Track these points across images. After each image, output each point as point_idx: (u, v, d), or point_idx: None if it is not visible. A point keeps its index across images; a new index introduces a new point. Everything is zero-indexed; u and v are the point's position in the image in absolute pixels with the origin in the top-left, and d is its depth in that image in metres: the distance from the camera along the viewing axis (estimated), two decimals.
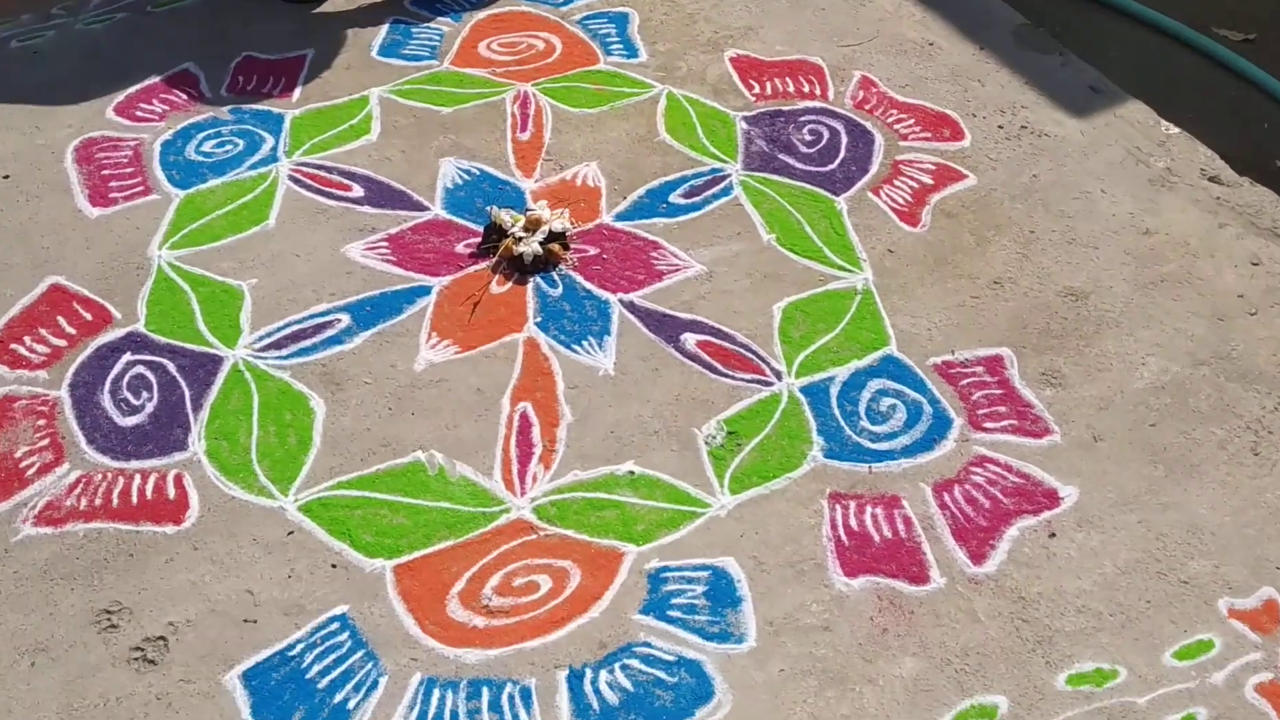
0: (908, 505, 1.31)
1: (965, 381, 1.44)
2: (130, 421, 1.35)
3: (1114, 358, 1.47)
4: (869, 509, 1.31)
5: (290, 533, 1.26)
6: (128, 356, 1.41)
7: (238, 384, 1.39)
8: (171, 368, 1.40)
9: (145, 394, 1.37)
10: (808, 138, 1.74)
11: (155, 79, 1.75)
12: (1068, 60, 1.92)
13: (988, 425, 1.40)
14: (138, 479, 1.29)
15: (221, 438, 1.33)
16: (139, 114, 1.70)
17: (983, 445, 1.38)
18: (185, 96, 1.73)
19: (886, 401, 1.42)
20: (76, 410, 1.35)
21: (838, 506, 1.31)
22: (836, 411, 1.40)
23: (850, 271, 1.56)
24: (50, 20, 1.84)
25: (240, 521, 1.26)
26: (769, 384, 1.42)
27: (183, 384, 1.38)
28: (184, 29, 1.85)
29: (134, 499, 1.28)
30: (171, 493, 1.28)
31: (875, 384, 1.44)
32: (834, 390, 1.42)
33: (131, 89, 1.73)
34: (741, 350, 1.46)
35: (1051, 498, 1.33)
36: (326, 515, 1.27)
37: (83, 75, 1.75)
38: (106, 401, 1.36)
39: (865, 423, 1.39)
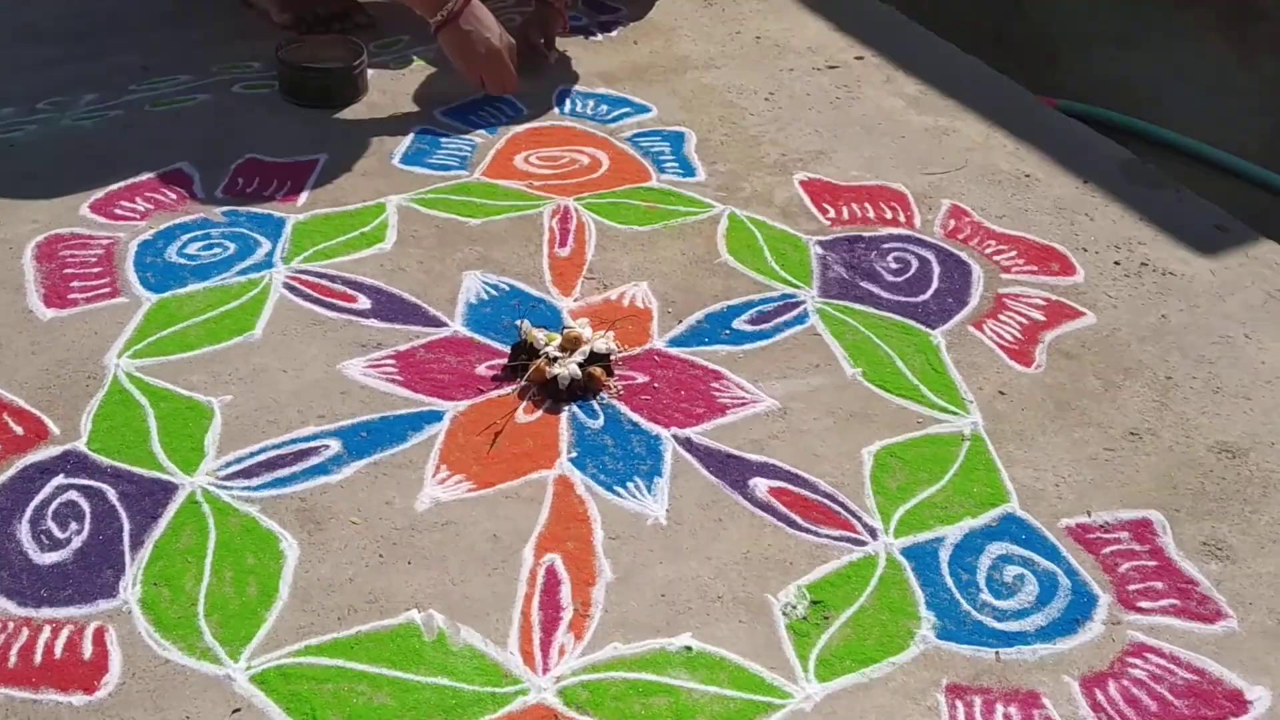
0: (1049, 704, 0.99)
1: (1108, 550, 1.14)
2: (49, 559, 1.05)
3: None
4: (999, 707, 0.98)
5: (236, 710, 0.94)
6: (59, 479, 1.13)
7: (192, 517, 1.09)
8: (112, 495, 1.11)
9: (74, 525, 1.08)
10: (893, 265, 1.49)
11: (142, 177, 1.52)
12: (1185, 197, 1.68)
13: (1143, 605, 1.09)
14: (46, 631, 0.99)
15: (162, 583, 1.03)
16: (118, 212, 1.47)
17: (1140, 630, 1.06)
18: (174, 195, 1.50)
19: (1012, 570, 1.11)
20: None
21: (958, 703, 0.98)
22: (949, 580, 1.09)
23: (955, 414, 1.27)
24: (34, 114, 1.64)
25: (172, 693, 0.95)
26: (862, 543, 1.12)
27: (123, 515, 1.09)
28: (183, 128, 1.64)
29: (37, 657, 0.97)
30: (88, 651, 0.98)
31: (996, 548, 1.13)
32: (944, 554, 1.12)
33: (113, 186, 1.51)
34: (825, 501, 1.16)
35: (1236, 701, 1.01)
36: (286, 689, 0.95)
37: (60, 170, 1.53)
38: (23, 533, 1.07)
39: (987, 595, 1.08)
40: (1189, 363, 1.37)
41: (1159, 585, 1.11)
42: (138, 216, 1.46)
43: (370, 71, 1.79)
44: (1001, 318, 1.42)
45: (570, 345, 1.27)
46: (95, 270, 1.37)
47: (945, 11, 2.88)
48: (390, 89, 1.79)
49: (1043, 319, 1.42)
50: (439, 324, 1.34)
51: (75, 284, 1.35)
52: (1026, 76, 2.48)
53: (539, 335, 1.28)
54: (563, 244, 1.48)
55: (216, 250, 1.42)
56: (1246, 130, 2.39)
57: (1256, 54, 2.73)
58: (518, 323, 1.30)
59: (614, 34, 2.00)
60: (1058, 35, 2.77)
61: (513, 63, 1.72)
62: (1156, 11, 2.88)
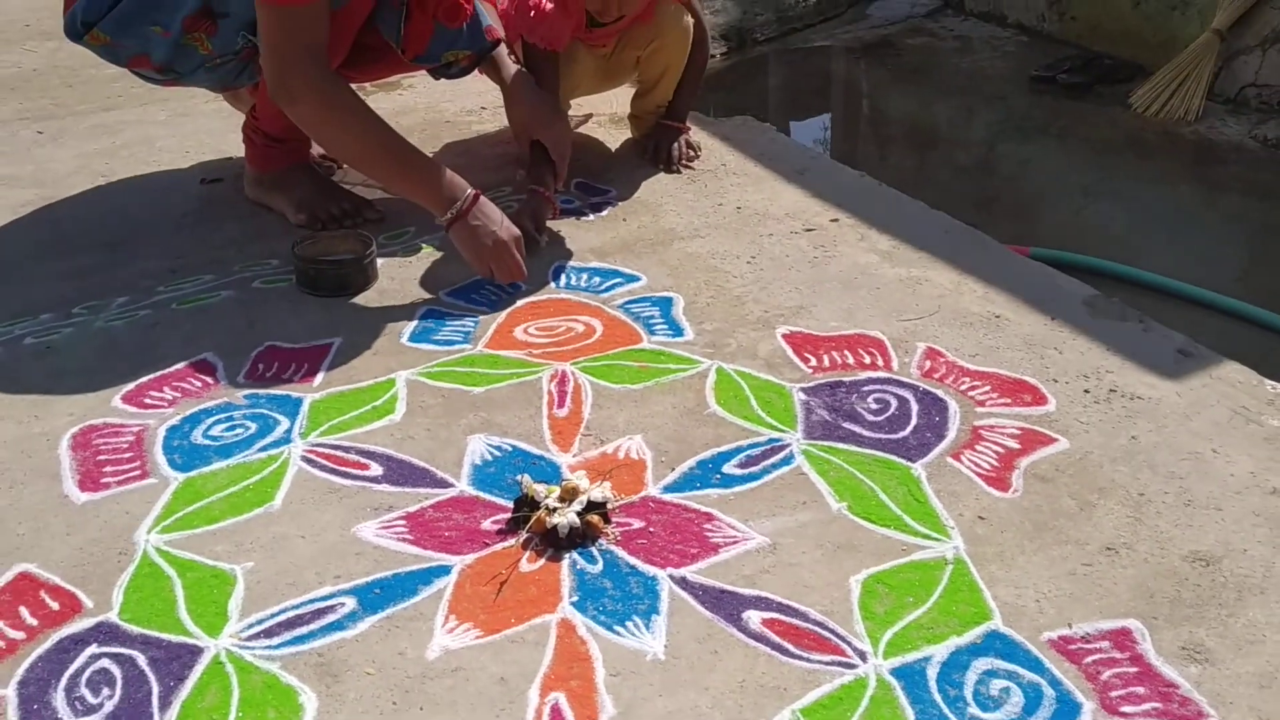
0: None
1: (1090, 659, 1.19)
2: None
3: (1266, 628, 1.22)
4: None
5: None
6: (92, 649, 1.20)
7: (216, 677, 1.16)
8: (142, 661, 1.18)
9: (106, 691, 1.15)
10: (874, 406, 1.58)
11: (170, 368, 1.64)
12: (1149, 326, 1.78)
13: (1126, 710, 1.13)
14: None
15: None
16: (147, 401, 1.58)
17: None
18: (199, 383, 1.62)
19: (998, 684, 1.16)
20: (22, 712, 1.12)
21: None
22: (938, 697, 1.14)
23: (937, 540, 1.34)
24: (70, 318, 1.77)
25: None
26: (852, 666, 1.17)
27: (151, 678, 1.16)
28: (208, 322, 1.77)
29: None
30: None
31: (981, 663, 1.18)
32: (932, 672, 1.17)
33: (143, 378, 1.62)
34: (816, 628, 1.22)
35: None
36: None
37: (94, 367, 1.65)
38: (59, 701, 1.14)
39: (974, 709, 1.13)
40: (1160, 479, 1.44)
41: (1141, 690, 1.15)
42: (166, 404, 1.57)
43: (380, 260, 1.93)
44: (978, 448, 1.49)
45: (569, 496, 1.35)
46: (126, 455, 1.47)
47: (919, 174, 3.05)
48: (399, 275, 1.92)
49: (1018, 447, 1.50)
50: (446, 485, 1.42)
51: (108, 469, 1.45)
52: (1000, 228, 2.62)
53: (539, 489, 1.36)
54: (560, 405, 1.58)
55: (239, 430, 1.52)
56: (1212, 262, 2.52)
57: (1219, 193, 2.88)
58: (518, 478, 1.39)
59: (604, 213, 2.15)
60: (1029, 189, 2.93)
61: (520, 253, 1.84)
62: (1122, 161, 3.05)
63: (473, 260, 1.84)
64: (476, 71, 2.17)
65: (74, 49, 1.96)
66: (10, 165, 2.33)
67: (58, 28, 1.94)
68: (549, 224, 2.05)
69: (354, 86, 2.25)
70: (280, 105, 1.78)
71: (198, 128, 2.50)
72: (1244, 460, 1.47)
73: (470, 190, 1.82)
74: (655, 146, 2.35)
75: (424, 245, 2.02)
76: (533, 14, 2.08)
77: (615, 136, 2.53)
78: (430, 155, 2.29)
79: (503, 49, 2.14)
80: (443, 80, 2.20)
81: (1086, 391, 1.62)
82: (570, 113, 2.50)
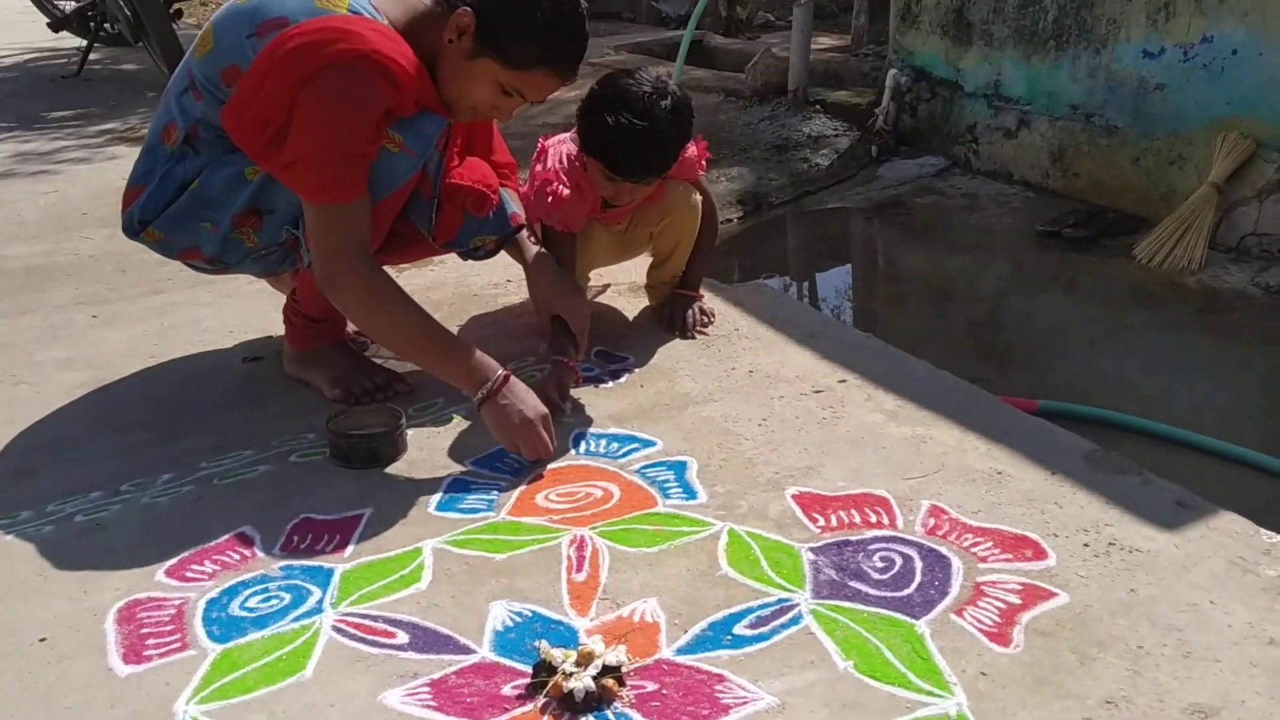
0: None
1: None
2: None
3: None
4: None
5: None
6: None
7: None
8: None
9: None
10: (879, 564, 1.64)
11: (211, 542, 1.74)
12: (1147, 479, 1.84)
13: None
14: None
15: None
16: (189, 575, 1.67)
17: None
18: (238, 557, 1.71)
19: None
20: None
21: None
22: None
23: (941, 697, 1.39)
24: (118, 495, 1.88)
25: None
26: None
27: None
28: (246, 496, 1.87)
29: None
30: None
31: None
32: None
33: (185, 553, 1.72)
34: None
35: None
36: None
37: (139, 543, 1.75)
38: None
39: None
40: (1159, 631, 1.49)
41: None
42: (206, 577, 1.66)
43: (409, 431, 2.03)
44: (980, 604, 1.55)
45: (585, 660, 1.41)
46: (168, 628, 1.56)
47: (932, 328, 3.16)
48: (427, 445, 2.02)
49: (1019, 602, 1.55)
50: (469, 651, 1.49)
51: (150, 641, 1.53)
52: (1011, 381, 2.71)
53: (556, 654, 1.43)
54: (579, 570, 1.65)
55: (274, 601, 1.60)
56: (1222, 409, 2.57)
57: (1226, 340, 2.95)
58: (536, 644, 1.45)
59: (622, 379, 2.26)
60: (1038, 341, 3.02)
61: (547, 431, 1.94)
62: (1129, 312, 3.14)
63: (501, 438, 1.94)
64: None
65: None
66: (67, 348, 2.49)
67: (113, 215, 2.10)
68: (571, 392, 2.16)
69: (387, 266, 2.42)
70: (326, 294, 1.93)
71: (241, 308, 2.65)
72: (1241, 611, 1.52)
73: (501, 371, 1.94)
74: (671, 314, 2.47)
75: (452, 416, 2.12)
76: (550, 199, 2.24)
77: (633, 305, 2.66)
78: (459, 327, 2.44)
79: (524, 231, 2.29)
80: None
81: (1086, 545, 1.67)
82: (590, 283, 2.64)
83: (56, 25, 6.14)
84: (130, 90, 5.72)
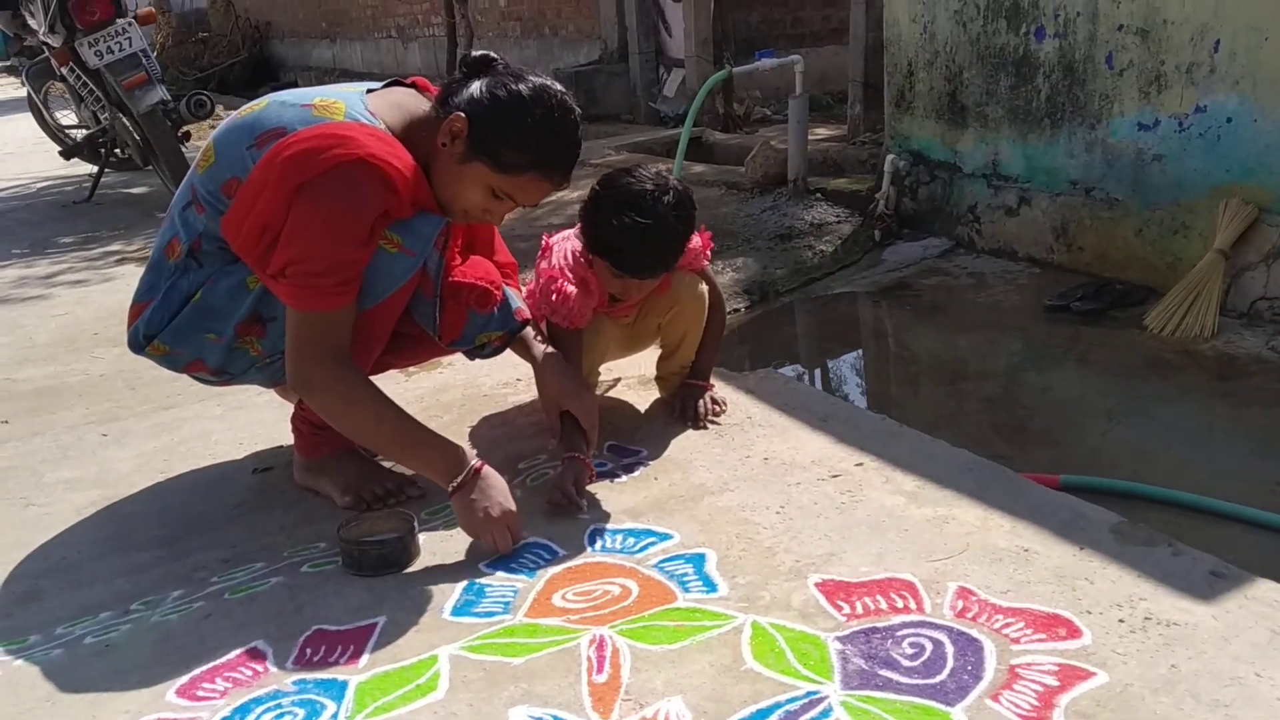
0: None
1: None
2: None
3: None
4: None
5: None
6: None
7: None
8: None
9: None
10: (909, 650, 1.59)
11: (222, 659, 1.70)
12: (1179, 550, 1.79)
13: None
14: None
15: None
16: (200, 694, 1.63)
17: None
18: (250, 672, 1.67)
19: None
20: None
21: None
22: None
23: None
24: (128, 615, 1.85)
25: None
26: None
27: None
28: (258, 610, 1.83)
29: None
30: None
31: None
32: None
33: (197, 670, 1.68)
34: None
35: None
36: None
37: (150, 662, 1.71)
38: None
39: None
40: (1204, 708, 1.43)
41: None
42: (218, 695, 1.62)
43: (421, 535, 2.00)
44: (1017, 687, 1.50)
45: None
46: None
47: (947, 408, 3.13)
48: (439, 549, 1.98)
49: (1057, 684, 1.50)
50: None
51: None
52: (1030, 457, 2.67)
53: None
54: (600, 670, 1.60)
55: (288, 717, 1.55)
56: (1246, 476, 2.53)
57: (1245, 406, 2.91)
58: None
59: (636, 473, 2.23)
60: (1055, 415, 2.98)
61: (511, 529, 1.94)
62: (1144, 382, 3.11)
63: (467, 529, 1.95)
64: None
65: None
66: (76, 468, 2.47)
67: (123, 334, 2.11)
68: (586, 487, 2.13)
69: (394, 370, 2.42)
70: (299, 394, 1.94)
71: (251, 419, 2.64)
72: None
73: (474, 465, 1.95)
74: (682, 405, 2.45)
75: None
76: (556, 296, 2.24)
77: (644, 398, 2.64)
78: (469, 428, 2.42)
79: (530, 329, 2.28)
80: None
81: (1121, 621, 1.62)
82: (600, 378, 2.62)
83: (68, 153, 6.26)
84: (140, 212, 5.81)
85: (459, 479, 1.93)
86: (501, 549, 1.93)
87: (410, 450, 2.00)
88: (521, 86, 1.91)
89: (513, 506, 1.95)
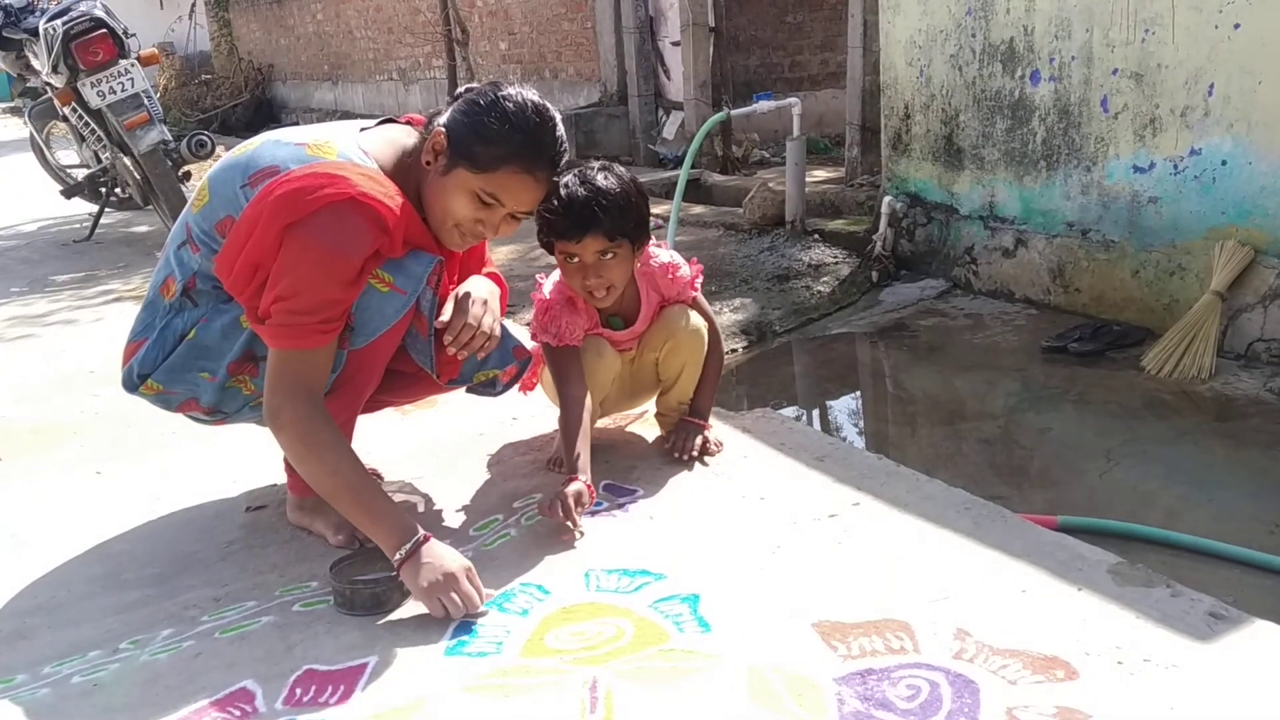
0: None
1: None
2: None
3: None
4: None
5: None
6: None
7: None
8: None
9: None
10: (906, 692, 1.58)
11: (211, 698, 1.68)
12: (1177, 591, 1.78)
13: None
14: None
15: None
16: None
17: None
18: (239, 712, 1.65)
19: None
20: None
21: None
22: None
23: None
24: (117, 654, 1.83)
25: None
26: None
27: None
28: (248, 649, 1.81)
29: None
30: None
31: None
32: None
33: (185, 710, 1.66)
34: None
35: None
36: None
37: (138, 702, 1.69)
38: None
39: None
40: None
41: None
42: None
43: None
44: None
45: None
46: None
47: (944, 449, 3.12)
48: None
49: None
50: None
51: None
52: (1028, 498, 2.66)
53: None
54: (593, 711, 1.59)
55: None
56: (1245, 517, 2.51)
57: (1243, 447, 2.90)
58: None
59: (631, 512, 2.21)
60: (1053, 456, 2.97)
61: (473, 584, 1.86)
62: (1142, 423, 3.10)
63: (421, 597, 1.86)
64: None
65: None
66: (68, 506, 2.46)
67: (119, 373, 2.10)
68: (581, 521, 2.12)
69: (391, 408, 2.41)
70: (269, 427, 1.92)
71: (244, 458, 2.63)
72: None
73: (421, 534, 1.88)
74: (679, 443, 2.44)
75: None
76: (545, 315, 2.30)
77: (640, 437, 2.63)
78: (463, 466, 2.41)
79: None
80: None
81: (1120, 663, 1.61)
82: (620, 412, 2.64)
83: (69, 193, 6.28)
84: (140, 251, 5.82)
85: (406, 547, 1.86)
86: (469, 607, 1.84)
87: (360, 508, 1.91)
88: (493, 89, 1.94)
89: (468, 563, 1.89)
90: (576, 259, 2.23)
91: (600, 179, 2.20)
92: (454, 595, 1.84)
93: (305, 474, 1.95)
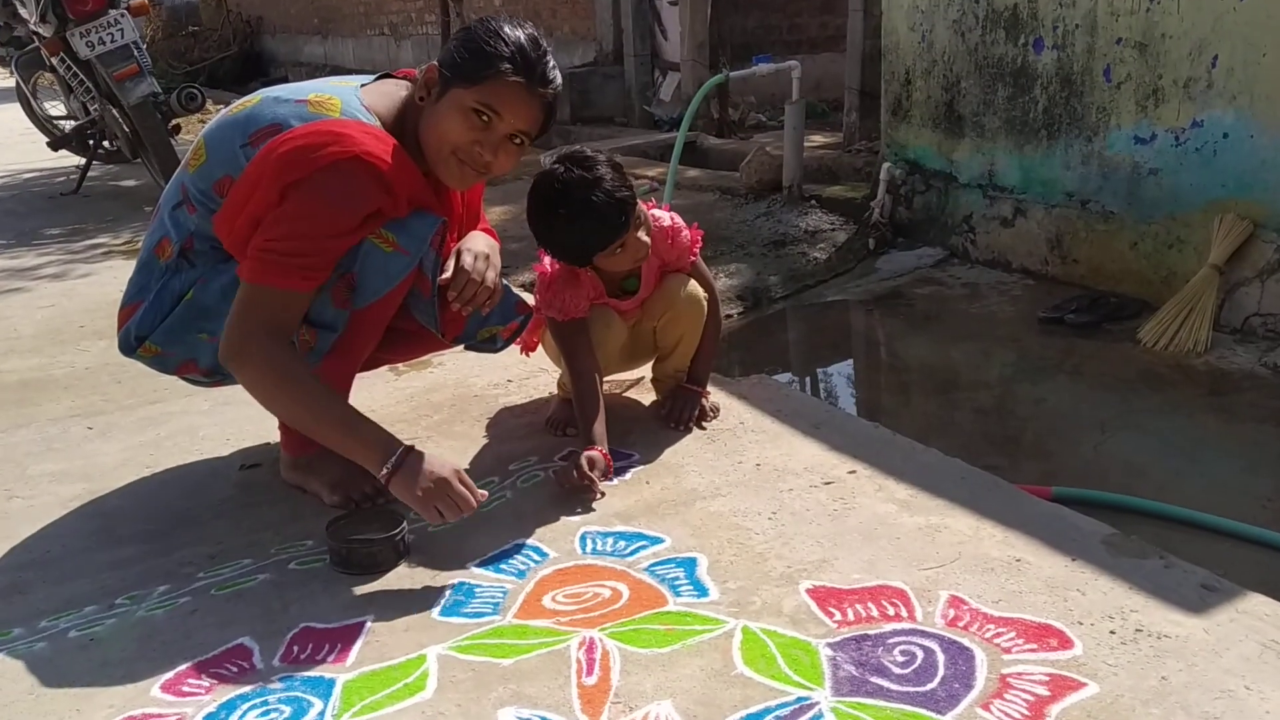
0: None
1: None
2: None
3: None
4: None
5: None
6: None
7: None
8: None
9: None
10: (900, 658, 1.58)
11: (208, 655, 1.68)
12: (1170, 563, 1.79)
13: None
14: None
15: None
16: (185, 689, 1.61)
17: None
18: (236, 669, 1.65)
19: None
20: None
21: None
22: None
23: None
24: (113, 609, 1.83)
25: None
26: None
27: None
28: (245, 606, 1.81)
29: None
30: None
31: None
32: None
33: (182, 666, 1.66)
34: None
35: None
36: None
37: (134, 657, 1.69)
38: None
39: None
40: None
41: None
42: (203, 691, 1.60)
43: (411, 535, 1.98)
44: (1008, 697, 1.49)
45: None
46: None
47: (939, 418, 3.12)
48: (429, 549, 1.97)
49: (1047, 694, 1.49)
50: None
51: None
52: (1022, 469, 2.66)
53: None
54: (589, 673, 1.59)
55: (273, 715, 1.54)
56: (1236, 490, 2.53)
57: (1237, 421, 2.91)
58: None
59: (628, 476, 2.21)
60: (1047, 427, 2.98)
61: (466, 484, 1.86)
62: (1137, 395, 3.10)
63: (416, 507, 1.85)
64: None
65: None
66: (61, 461, 2.45)
67: (110, 328, 2.08)
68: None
69: (384, 366, 2.41)
70: (228, 366, 1.88)
71: (238, 415, 2.62)
72: (1278, 696, 1.46)
73: (405, 445, 1.87)
74: (677, 410, 2.44)
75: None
76: (548, 289, 2.26)
77: (637, 402, 2.63)
78: (460, 428, 2.41)
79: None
80: (471, 355, 2.32)
81: (1113, 632, 1.62)
82: (621, 376, 2.64)
83: (56, 144, 6.22)
84: (128, 205, 5.78)
85: (392, 460, 1.84)
86: (464, 509, 1.85)
87: (339, 431, 1.88)
88: (480, 18, 1.93)
89: (458, 465, 1.89)
90: (619, 250, 2.21)
91: (594, 197, 2.12)
92: (449, 499, 1.84)
93: (276, 409, 1.91)
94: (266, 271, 1.83)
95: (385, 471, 1.85)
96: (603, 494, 2.11)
